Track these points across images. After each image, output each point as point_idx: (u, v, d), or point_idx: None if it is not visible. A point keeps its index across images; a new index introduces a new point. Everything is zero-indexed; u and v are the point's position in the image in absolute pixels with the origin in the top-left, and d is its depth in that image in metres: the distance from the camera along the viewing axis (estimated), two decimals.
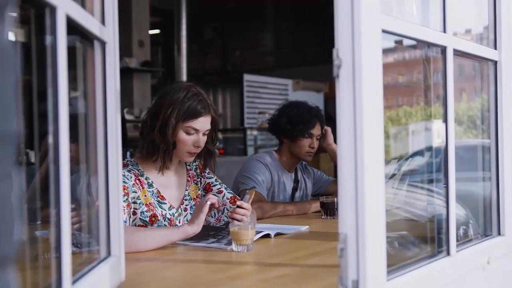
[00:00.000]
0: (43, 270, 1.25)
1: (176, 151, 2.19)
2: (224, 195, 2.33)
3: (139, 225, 2.12)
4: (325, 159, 6.53)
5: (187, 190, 2.31)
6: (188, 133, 2.16)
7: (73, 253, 1.07)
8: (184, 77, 8.55)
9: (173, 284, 1.54)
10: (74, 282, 1.08)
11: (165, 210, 2.19)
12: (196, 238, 2.01)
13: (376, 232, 1.18)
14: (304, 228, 2.32)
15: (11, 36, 0.59)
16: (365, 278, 1.14)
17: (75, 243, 1.36)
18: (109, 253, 1.36)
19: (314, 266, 1.65)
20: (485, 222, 1.84)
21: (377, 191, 1.19)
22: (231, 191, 2.38)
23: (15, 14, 0.61)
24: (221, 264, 1.70)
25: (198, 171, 2.38)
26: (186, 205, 2.29)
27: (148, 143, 2.17)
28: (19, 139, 0.58)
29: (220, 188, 2.36)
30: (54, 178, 0.99)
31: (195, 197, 2.33)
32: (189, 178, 2.34)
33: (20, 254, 0.58)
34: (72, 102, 1.16)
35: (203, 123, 2.18)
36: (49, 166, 1.01)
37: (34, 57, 1.04)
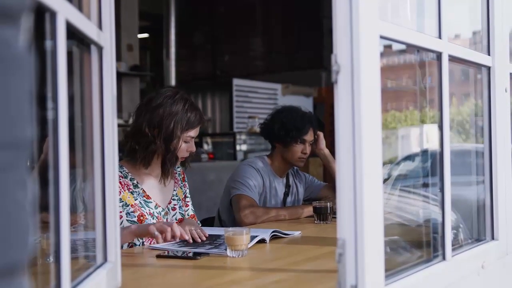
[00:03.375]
0: (40, 276, 1.24)
1: None
2: (188, 210, 2.44)
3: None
4: (314, 163, 6.53)
5: (175, 190, 2.39)
6: (185, 142, 2.26)
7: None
8: (173, 82, 8.54)
9: None
10: None
11: (152, 208, 2.24)
12: (194, 245, 2.00)
13: (375, 237, 1.18)
14: (297, 233, 2.32)
15: (26, 42, 0.59)
16: (363, 283, 1.14)
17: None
18: (105, 259, 1.35)
19: (310, 271, 1.65)
20: (479, 227, 1.85)
21: (376, 196, 1.19)
22: (193, 209, 2.46)
23: (29, 21, 0.61)
24: (216, 270, 1.69)
25: (181, 177, 2.47)
26: (175, 205, 2.37)
27: (150, 153, 2.22)
28: (31, 146, 0.58)
29: (189, 201, 2.48)
30: (53, 183, 0.98)
31: (182, 197, 2.43)
32: (176, 180, 2.42)
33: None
34: (68, 106, 1.15)
35: (198, 130, 2.31)
36: (41, 169, 1.01)
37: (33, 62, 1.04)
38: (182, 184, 2.45)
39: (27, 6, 0.58)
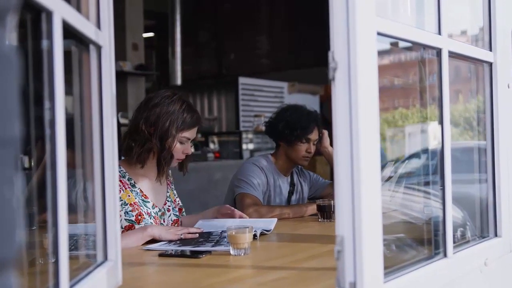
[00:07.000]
0: (40, 275, 1.25)
1: None
2: (170, 215, 2.41)
3: (125, 226, 2.17)
4: (321, 162, 6.52)
5: (168, 192, 2.43)
6: (181, 143, 2.29)
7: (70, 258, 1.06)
8: (179, 81, 8.54)
9: None
10: (71, 287, 1.07)
11: (149, 208, 2.28)
12: (189, 244, 1.99)
13: (373, 234, 1.18)
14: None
15: (12, 41, 0.59)
16: (362, 280, 1.14)
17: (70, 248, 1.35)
18: (106, 258, 1.35)
19: (312, 269, 1.65)
20: (482, 224, 1.84)
21: (374, 193, 1.19)
22: (177, 214, 2.45)
23: (15, 19, 0.61)
24: (218, 268, 1.69)
25: (171, 179, 2.51)
26: (169, 206, 2.41)
27: (146, 150, 2.25)
28: (20, 143, 0.58)
29: (175, 207, 2.46)
30: (51, 184, 0.98)
31: (174, 199, 2.46)
32: (168, 183, 2.47)
33: (18, 259, 0.58)
34: (67, 106, 1.16)
35: (195, 132, 2.34)
36: (44, 170, 1.01)
37: (30, 61, 1.04)
38: (172, 187, 2.50)
39: (13, 5, 0.59)
